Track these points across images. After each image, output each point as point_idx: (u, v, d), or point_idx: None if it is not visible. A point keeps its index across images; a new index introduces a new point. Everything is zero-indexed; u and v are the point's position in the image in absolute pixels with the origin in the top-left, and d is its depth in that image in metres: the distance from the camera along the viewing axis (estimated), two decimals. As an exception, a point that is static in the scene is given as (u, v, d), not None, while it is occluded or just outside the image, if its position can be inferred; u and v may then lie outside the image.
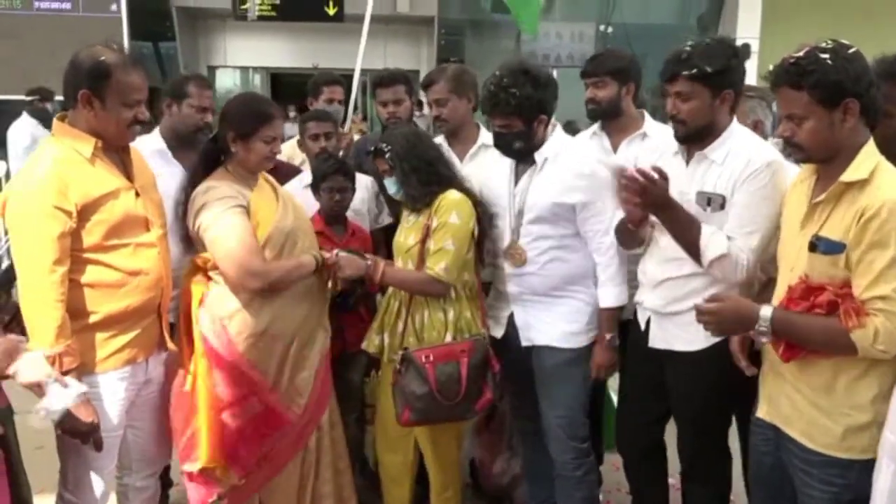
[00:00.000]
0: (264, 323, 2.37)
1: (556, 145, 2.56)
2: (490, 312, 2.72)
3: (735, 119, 2.31)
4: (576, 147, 2.72)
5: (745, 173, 2.17)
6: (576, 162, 2.55)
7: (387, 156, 2.57)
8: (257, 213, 2.40)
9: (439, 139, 3.16)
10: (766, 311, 1.86)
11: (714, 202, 2.22)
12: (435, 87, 3.03)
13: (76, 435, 2.01)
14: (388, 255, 2.78)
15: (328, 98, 3.79)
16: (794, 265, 1.93)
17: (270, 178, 2.59)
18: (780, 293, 1.98)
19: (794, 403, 1.95)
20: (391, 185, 2.62)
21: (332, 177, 2.86)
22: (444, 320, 2.56)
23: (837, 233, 1.81)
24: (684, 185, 2.29)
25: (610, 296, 2.55)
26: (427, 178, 2.56)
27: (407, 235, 2.62)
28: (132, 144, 2.35)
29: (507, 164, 2.63)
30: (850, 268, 1.80)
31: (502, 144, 2.55)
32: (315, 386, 2.50)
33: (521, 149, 2.53)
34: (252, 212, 2.38)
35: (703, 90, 2.19)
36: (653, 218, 2.31)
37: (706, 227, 2.19)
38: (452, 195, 2.55)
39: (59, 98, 2.59)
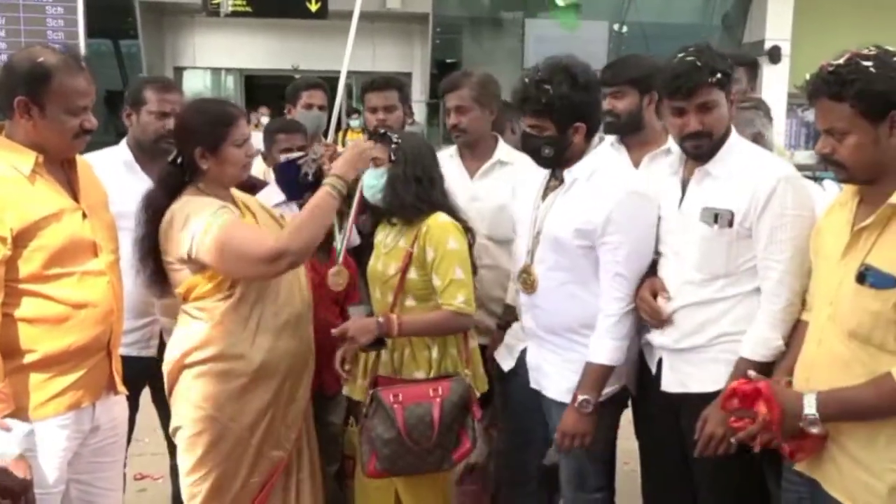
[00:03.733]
0: (258, 359, 2.39)
1: (594, 163, 2.46)
2: (507, 339, 2.77)
3: (734, 131, 2.34)
4: (613, 167, 2.59)
5: (761, 194, 2.19)
6: (605, 183, 2.43)
7: (393, 145, 2.55)
8: None
9: (451, 151, 3.18)
10: (809, 399, 1.85)
11: (722, 218, 2.24)
12: (458, 93, 3.03)
13: (5, 494, 1.95)
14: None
15: (307, 103, 3.80)
16: (833, 299, 1.91)
17: (239, 193, 2.58)
18: (813, 332, 1.98)
19: (833, 457, 1.92)
20: (374, 177, 2.56)
21: (310, 193, 2.83)
22: (427, 358, 2.57)
23: (886, 262, 1.79)
24: (685, 205, 2.34)
25: (603, 350, 2.38)
26: (425, 194, 2.58)
27: (386, 263, 2.61)
28: (87, 157, 2.32)
29: (539, 181, 2.59)
30: None
31: (530, 148, 2.52)
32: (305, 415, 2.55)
33: (550, 157, 2.46)
34: None
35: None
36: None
37: (741, 349, 2.23)
38: (441, 218, 2.56)
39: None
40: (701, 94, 2.22)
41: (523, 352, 2.67)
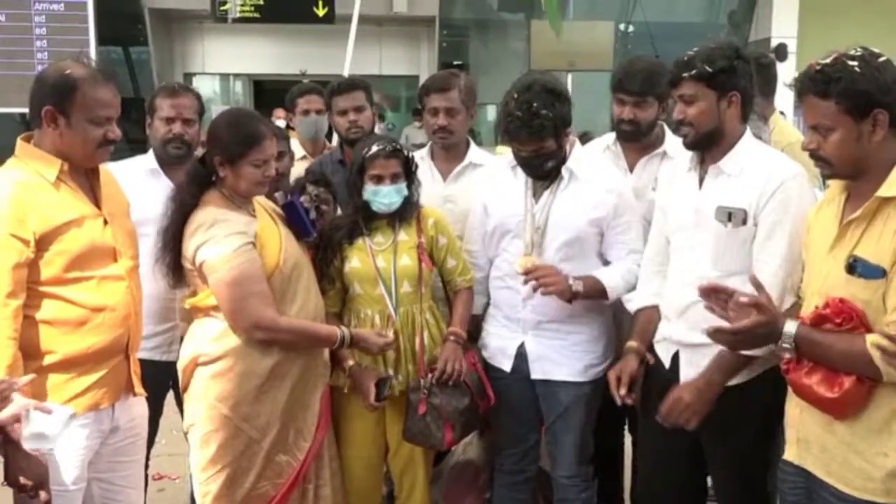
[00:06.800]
0: (272, 360, 2.46)
1: (577, 160, 2.72)
2: (494, 342, 2.85)
3: (749, 130, 2.39)
4: (594, 161, 2.86)
5: (769, 188, 2.24)
6: (602, 176, 2.73)
7: (410, 156, 2.76)
8: (266, 244, 2.47)
9: (421, 153, 3.18)
10: (790, 327, 1.92)
11: (735, 217, 2.28)
12: (449, 95, 3.02)
13: (20, 486, 1.98)
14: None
15: (304, 109, 3.84)
16: (820, 289, 1.97)
17: (264, 200, 2.64)
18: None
19: (826, 444, 1.97)
20: (396, 193, 2.71)
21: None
22: (438, 336, 2.82)
23: (873, 254, 1.85)
24: (700, 202, 2.37)
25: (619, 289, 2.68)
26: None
27: (394, 258, 2.74)
28: (115, 166, 2.38)
29: (520, 180, 2.75)
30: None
31: (535, 166, 2.67)
32: (320, 427, 2.61)
33: (553, 167, 2.67)
34: (261, 244, 2.46)
35: (707, 92, 2.30)
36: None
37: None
38: (435, 210, 2.83)
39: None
40: (682, 87, 2.32)
41: (517, 349, 2.78)
